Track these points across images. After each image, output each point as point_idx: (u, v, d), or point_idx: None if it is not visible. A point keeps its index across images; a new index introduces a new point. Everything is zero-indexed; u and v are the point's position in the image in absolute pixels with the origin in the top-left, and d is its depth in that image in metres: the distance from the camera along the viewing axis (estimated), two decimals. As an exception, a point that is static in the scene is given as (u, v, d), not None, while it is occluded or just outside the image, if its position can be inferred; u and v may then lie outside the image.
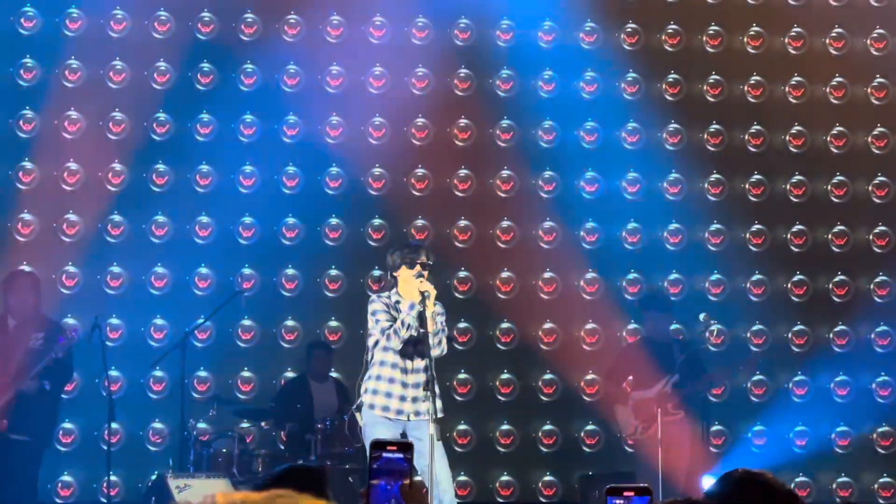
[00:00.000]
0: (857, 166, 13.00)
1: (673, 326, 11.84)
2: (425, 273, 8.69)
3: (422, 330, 8.52)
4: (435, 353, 8.59)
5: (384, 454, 3.66)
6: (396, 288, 8.80)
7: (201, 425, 11.31)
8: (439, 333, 8.69)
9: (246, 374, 12.24)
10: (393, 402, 8.66)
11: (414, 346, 8.64)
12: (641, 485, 3.88)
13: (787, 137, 12.96)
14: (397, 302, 8.73)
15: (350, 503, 10.05)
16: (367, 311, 8.86)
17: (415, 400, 8.63)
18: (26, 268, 11.15)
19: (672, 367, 10.59)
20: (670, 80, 12.91)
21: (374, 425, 8.59)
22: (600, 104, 12.78)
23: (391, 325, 8.61)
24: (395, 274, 8.82)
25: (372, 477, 3.65)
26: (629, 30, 12.86)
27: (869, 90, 13.10)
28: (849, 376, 12.68)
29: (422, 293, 8.52)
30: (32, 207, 12.10)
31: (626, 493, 3.81)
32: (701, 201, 12.81)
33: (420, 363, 8.64)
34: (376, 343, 8.75)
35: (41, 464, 10.34)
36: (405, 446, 3.67)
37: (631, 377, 11.09)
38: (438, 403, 8.56)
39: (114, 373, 11.40)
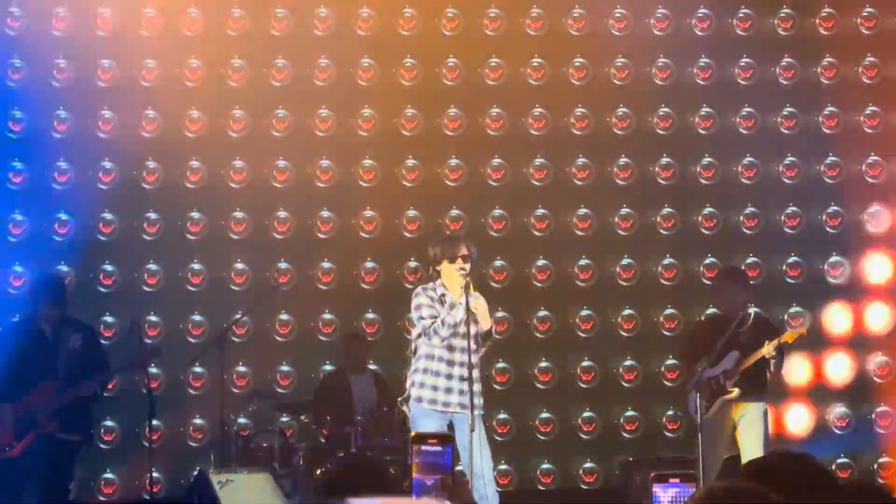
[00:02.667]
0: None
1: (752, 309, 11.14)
2: (467, 266, 8.64)
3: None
4: (481, 351, 8.65)
5: (424, 447, 3.66)
6: (441, 280, 8.78)
7: (242, 420, 11.35)
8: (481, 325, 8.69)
9: (284, 368, 12.27)
10: (439, 394, 8.65)
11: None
12: (687, 472, 3.87)
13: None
14: (443, 294, 8.70)
15: (390, 494, 10.03)
16: (405, 303, 8.85)
17: (461, 392, 8.62)
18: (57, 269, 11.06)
19: (737, 343, 10.08)
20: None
21: (422, 417, 8.58)
22: (631, 90, 12.72)
23: (432, 323, 8.59)
24: (437, 268, 8.79)
25: (413, 471, 3.65)
26: (659, 15, 12.81)
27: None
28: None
29: (465, 285, 8.48)
30: (69, 208, 12.17)
31: (671, 480, 3.81)
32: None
33: (465, 357, 8.61)
34: (419, 336, 8.75)
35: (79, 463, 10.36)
36: (445, 439, 3.66)
37: (705, 357, 10.49)
38: (479, 400, 8.59)
39: (153, 370, 11.46)
